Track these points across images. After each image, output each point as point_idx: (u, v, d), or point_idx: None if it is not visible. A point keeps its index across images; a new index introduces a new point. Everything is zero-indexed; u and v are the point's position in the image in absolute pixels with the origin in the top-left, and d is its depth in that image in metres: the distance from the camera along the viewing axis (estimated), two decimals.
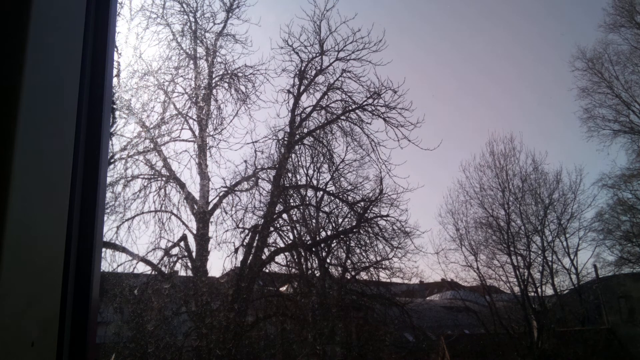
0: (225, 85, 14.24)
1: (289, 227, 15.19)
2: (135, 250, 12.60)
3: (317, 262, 15.05)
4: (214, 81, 14.12)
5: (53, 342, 0.91)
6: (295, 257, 14.55)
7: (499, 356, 23.27)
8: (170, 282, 12.54)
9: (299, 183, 15.43)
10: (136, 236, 13.97)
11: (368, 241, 14.89)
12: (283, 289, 15.31)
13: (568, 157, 54.52)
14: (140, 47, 14.11)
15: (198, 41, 14.30)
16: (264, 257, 13.48)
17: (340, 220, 16.00)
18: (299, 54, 14.64)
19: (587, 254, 30.88)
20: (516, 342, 23.60)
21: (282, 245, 14.37)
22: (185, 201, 13.28)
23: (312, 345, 13.18)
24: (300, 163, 15.50)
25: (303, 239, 15.06)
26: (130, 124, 13.02)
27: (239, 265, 13.09)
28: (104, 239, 11.35)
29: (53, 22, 0.93)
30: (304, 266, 14.88)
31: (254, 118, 17.81)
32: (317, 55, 14.76)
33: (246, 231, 13.54)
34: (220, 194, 13.54)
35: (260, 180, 14.18)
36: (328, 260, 15.20)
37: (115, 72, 11.01)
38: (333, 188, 15.67)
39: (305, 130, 15.01)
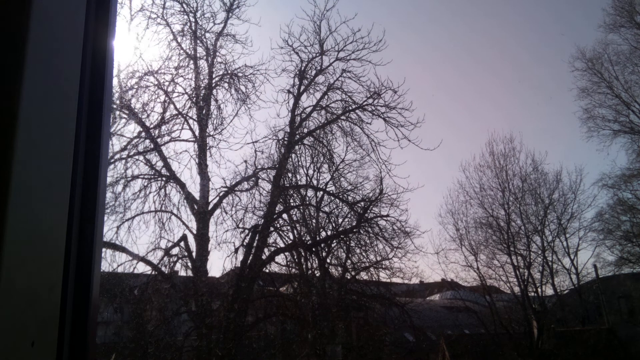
0: (225, 85, 14.26)
1: (289, 227, 15.20)
2: (135, 250, 12.61)
3: (317, 262, 15.06)
4: (214, 81, 14.13)
5: (53, 342, 0.91)
6: (295, 257, 14.55)
7: (499, 356, 23.27)
8: (170, 282, 12.54)
9: (299, 183, 15.43)
10: (136, 236, 13.95)
11: (368, 241, 14.91)
12: (283, 289, 15.31)
13: (568, 157, 54.56)
14: (140, 47, 14.12)
15: (198, 41, 14.31)
16: (264, 257, 13.48)
17: (340, 220, 16.02)
18: (299, 54, 14.65)
19: (587, 254, 30.91)
20: (516, 342, 23.60)
21: (282, 245, 14.37)
22: (185, 201, 13.30)
23: (312, 345, 13.18)
24: (300, 163, 15.51)
25: (303, 239, 15.06)
26: (130, 124, 13.04)
27: (239, 265, 13.09)
28: (104, 239, 11.34)
29: (53, 22, 0.93)
30: (304, 266, 14.88)
31: (254, 118, 17.81)
32: (317, 55, 14.77)
33: (246, 231, 13.55)
34: (220, 194, 13.56)
35: (260, 180, 14.19)
36: (328, 260, 15.20)
37: (115, 72, 11.01)
38: (333, 188, 15.69)
39: (305, 130, 15.02)
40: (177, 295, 12.59)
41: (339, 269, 15.47)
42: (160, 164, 13.33)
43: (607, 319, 27.00)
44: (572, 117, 48.50)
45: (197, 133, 13.56)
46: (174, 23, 13.91)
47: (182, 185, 13.17)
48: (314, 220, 15.64)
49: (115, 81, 12.20)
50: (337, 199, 15.70)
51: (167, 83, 13.70)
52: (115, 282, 11.99)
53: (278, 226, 14.67)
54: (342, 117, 14.90)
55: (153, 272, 12.59)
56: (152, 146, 13.22)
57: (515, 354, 23.11)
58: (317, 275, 15.15)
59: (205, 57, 14.37)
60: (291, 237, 15.05)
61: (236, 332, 12.19)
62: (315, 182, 16.08)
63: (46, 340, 0.88)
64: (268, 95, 43.48)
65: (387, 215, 14.97)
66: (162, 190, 13.24)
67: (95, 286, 1.04)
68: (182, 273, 13.38)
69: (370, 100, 14.56)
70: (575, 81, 35.27)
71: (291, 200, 15.62)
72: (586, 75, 27.37)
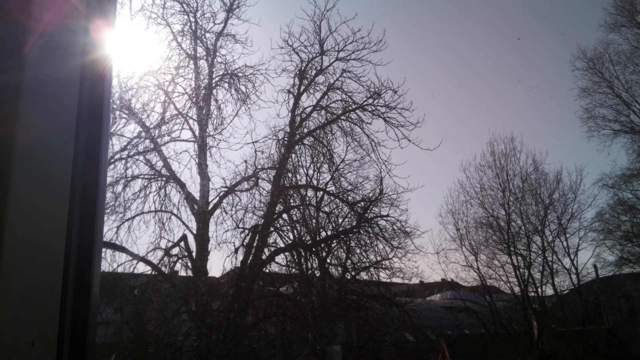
0: (226, 85, 14.25)
1: (289, 227, 15.20)
2: (135, 250, 12.61)
3: (317, 262, 15.06)
4: (214, 81, 14.12)
5: (53, 342, 0.91)
6: (295, 257, 14.56)
7: (499, 356, 23.26)
8: (170, 282, 12.54)
9: (299, 183, 15.43)
10: (136, 236, 13.92)
11: (368, 241, 14.89)
12: (283, 289, 15.31)
13: (568, 157, 54.64)
14: (141, 47, 14.10)
15: (198, 41, 14.30)
16: (264, 257, 13.47)
17: (340, 220, 16.02)
18: (299, 54, 14.62)
19: (587, 254, 30.94)
20: (516, 342, 23.60)
21: (282, 245, 14.37)
22: (185, 201, 13.30)
23: (312, 345, 13.19)
24: (300, 163, 15.52)
25: (303, 239, 15.06)
26: (130, 124, 13.04)
27: (239, 265, 13.09)
28: (104, 239, 11.35)
29: (53, 22, 0.93)
30: (304, 266, 14.88)
31: (254, 118, 17.78)
32: (317, 55, 14.74)
33: (246, 231, 13.55)
34: (220, 194, 13.55)
35: (260, 180, 14.18)
36: (328, 260, 15.21)
37: (115, 72, 11.02)
38: (333, 188, 15.68)
39: (305, 130, 15.00)
40: (177, 295, 12.59)
41: (339, 269, 15.48)
42: (160, 164, 13.35)
43: (607, 319, 26.99)
44: (573, 117, 48.60)
45: (197, 133, 13.56)
46: (174, 23, 13.92)
47: (182, 185, 13.17)
48: (314, 220, 15.64)
49: (115, 81, 12.21)
50: (337, 199, 15.71)
51: (167, 83, 13.71)
52: (115, 282, 12.00)
53: (278, 226, 14.68)
54: (342, 117, 14.88)
55: (153, 272, 12.59)
56: (152, 146, 13.23)
57: (515, 354, 23.11)
58: (317, 275, 15.15)
59: (205, 57, 14.38)
60: (291, 237, 15.07)
61: (236, 332, 12.18)
62: (315, 182, 16.09)
63: (46, 340, 0.88)
64: (268, 95, 43.52)
65: (387, 215, 14.97)
66: (162, 190, 13.25)
67: (95, 286, 1.04)
68: (182, 273, 13.39)
69: (370, 100, 14.53)
70: (576, 81, 35.31)
71: (291, 200, 15.63)
72: (587, 74, 27.33)
